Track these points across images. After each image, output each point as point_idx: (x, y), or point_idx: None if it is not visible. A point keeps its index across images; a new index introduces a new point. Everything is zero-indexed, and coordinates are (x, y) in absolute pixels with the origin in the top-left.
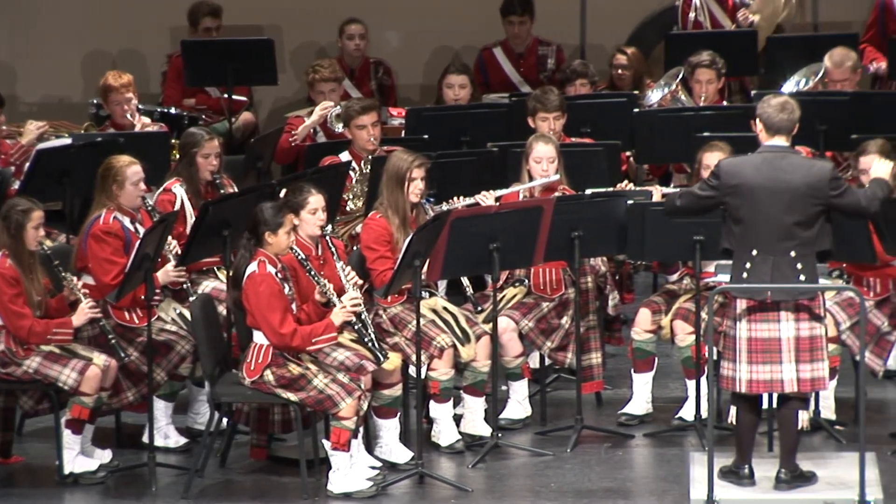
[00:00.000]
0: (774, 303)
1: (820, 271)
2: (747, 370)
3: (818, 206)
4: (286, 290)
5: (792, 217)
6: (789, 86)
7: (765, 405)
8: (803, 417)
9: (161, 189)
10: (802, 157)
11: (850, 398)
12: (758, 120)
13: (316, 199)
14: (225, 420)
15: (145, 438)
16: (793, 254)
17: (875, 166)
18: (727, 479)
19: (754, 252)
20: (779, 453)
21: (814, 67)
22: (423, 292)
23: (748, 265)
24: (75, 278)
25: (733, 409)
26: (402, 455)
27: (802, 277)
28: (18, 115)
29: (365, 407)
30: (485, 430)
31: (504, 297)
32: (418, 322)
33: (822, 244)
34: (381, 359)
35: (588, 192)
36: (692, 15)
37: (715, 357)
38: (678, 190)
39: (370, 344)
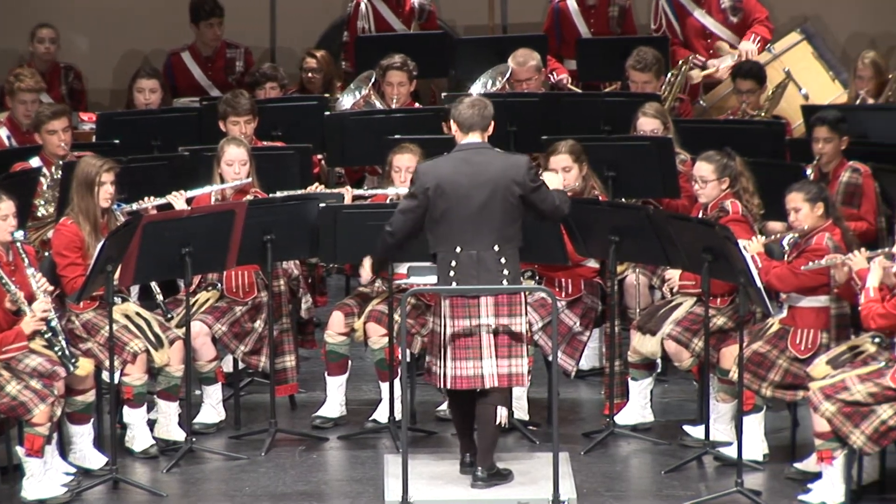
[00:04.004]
0: (475, 297)
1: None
2: (451, 366)
3: (517, 199)
4: None
5: (494, 210)
6: (477, 87)
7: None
8: (503, 414)
9: None
10: (498, 151)
11: (542, 398)
12: (452, 121)
13: (6, 206)
14: None
15: None
16: (496, 248)
17: (546, 179)
18: (465, 472)
19: (458, 249)
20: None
21: (500, 68)
22: (115, 298)
23: (454, 263)
24: None
25: (445, 404)
26: (96, 461)
27: (506, 272)
28: None
29: (58, 413)
30: (179, 435)
31: (197, 301)
32: (111, 327)
33: (521, 240)
34: (71, 367)
35: (279, 194)
36: (360, 24)
37: (408, 359)
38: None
39: (60, 353)
